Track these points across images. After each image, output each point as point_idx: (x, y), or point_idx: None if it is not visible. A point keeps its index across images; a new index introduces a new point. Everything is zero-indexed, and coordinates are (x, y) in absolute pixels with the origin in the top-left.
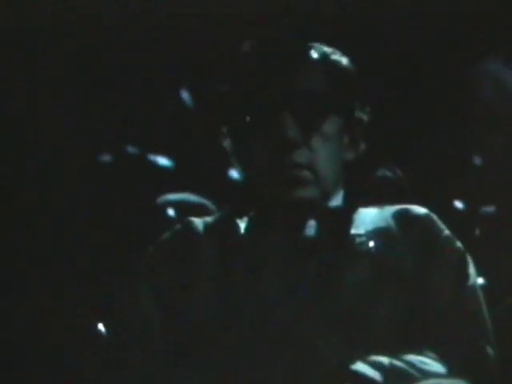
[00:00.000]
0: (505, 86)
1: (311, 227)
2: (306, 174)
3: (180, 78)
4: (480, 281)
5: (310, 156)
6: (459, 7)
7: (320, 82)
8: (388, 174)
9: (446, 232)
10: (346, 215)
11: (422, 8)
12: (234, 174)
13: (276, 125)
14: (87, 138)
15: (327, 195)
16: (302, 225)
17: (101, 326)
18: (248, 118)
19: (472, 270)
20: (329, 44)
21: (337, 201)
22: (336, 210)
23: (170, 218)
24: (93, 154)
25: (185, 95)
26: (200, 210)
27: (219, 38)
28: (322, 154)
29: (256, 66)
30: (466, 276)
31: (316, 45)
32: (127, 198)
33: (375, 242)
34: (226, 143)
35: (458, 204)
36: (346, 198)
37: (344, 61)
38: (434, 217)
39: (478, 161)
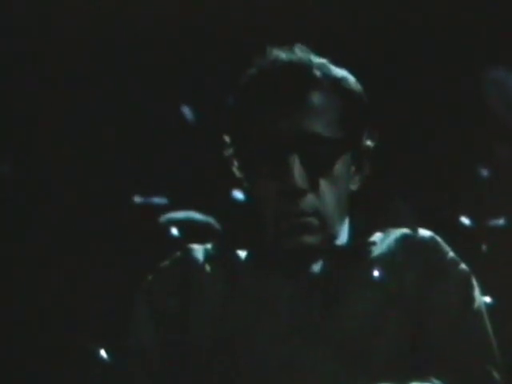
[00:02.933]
0: (510, 94)
1: (316, 264)
2: (313, 220)
3: (181, 94)
4: (486, 299)
5: (317, 202)
6: (461, 14)
7: (331, 121)
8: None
9: (451, 254)
10: (351, 251)
11: (423, 16)
12: (238, 194)
13: (283, 168)
14: (89, 147)
15: (333, 238)
16: (307, 263)
17: (102, 353)
18: (253, 154)
19: (477, 292)
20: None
21: (342, 237)
22: (342, 248)
23: (173, 237)
24: (95, 169)
25: (187, 112)
26: (204, 229)
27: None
28: (330, 198)
29: (262, 102)
30: (471, 299)
31: (326, 73)
32: (130, 216)
33: (379, 269)
34: (228, 153)
35: (465, 220)
36: (351, 233)
37: (356, 89)
38: (439, 239)
39: (484, 173)
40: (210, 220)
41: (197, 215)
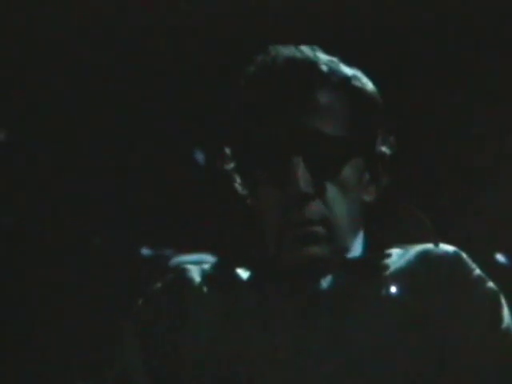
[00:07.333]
0: None
1: (325, 280)
2: (320, 229)
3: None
4: None
5: (324, 210)
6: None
7: (340, 120)
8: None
9: (477, 271)
10: (365, 264)
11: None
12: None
13: (286, 172)
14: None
15: (344, 250)
16: (314, 278)
17: None
18: (255, 160)
19: (506, 311)
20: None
21: (355, 251)
22: (354, 261)
23: None
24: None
25: (199, 157)
26: None
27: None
28: (338, 205)
29: (262, 101)
30: (499, 318)
31: (334, 70)
32: (140, 258)
33: (397, 286)
34: (229, 168)
35: (500, 257)
36: (365, 248)
37: (368, 87)
38: (463, 255)
39: None
40: None
41: (208, 257)
